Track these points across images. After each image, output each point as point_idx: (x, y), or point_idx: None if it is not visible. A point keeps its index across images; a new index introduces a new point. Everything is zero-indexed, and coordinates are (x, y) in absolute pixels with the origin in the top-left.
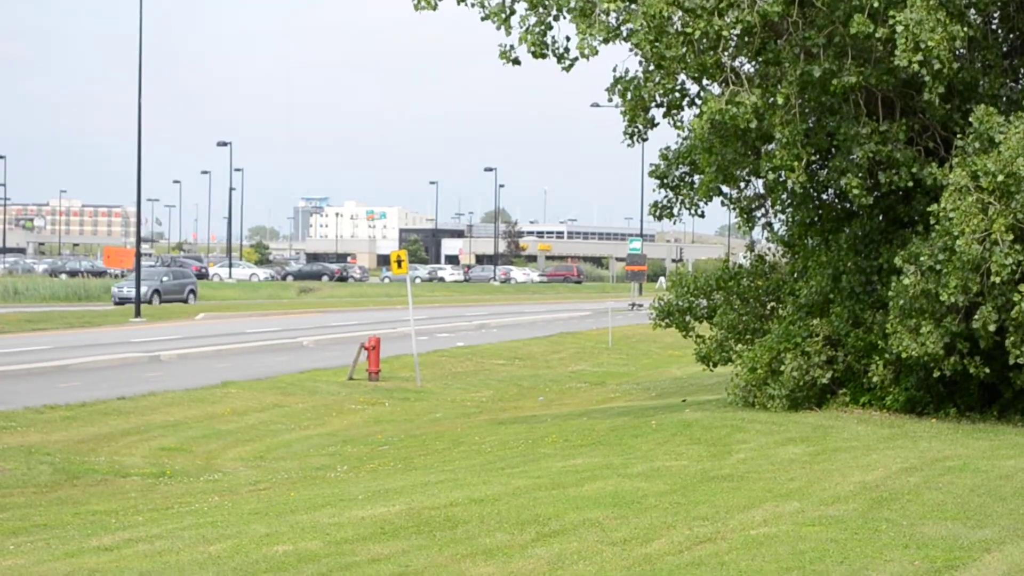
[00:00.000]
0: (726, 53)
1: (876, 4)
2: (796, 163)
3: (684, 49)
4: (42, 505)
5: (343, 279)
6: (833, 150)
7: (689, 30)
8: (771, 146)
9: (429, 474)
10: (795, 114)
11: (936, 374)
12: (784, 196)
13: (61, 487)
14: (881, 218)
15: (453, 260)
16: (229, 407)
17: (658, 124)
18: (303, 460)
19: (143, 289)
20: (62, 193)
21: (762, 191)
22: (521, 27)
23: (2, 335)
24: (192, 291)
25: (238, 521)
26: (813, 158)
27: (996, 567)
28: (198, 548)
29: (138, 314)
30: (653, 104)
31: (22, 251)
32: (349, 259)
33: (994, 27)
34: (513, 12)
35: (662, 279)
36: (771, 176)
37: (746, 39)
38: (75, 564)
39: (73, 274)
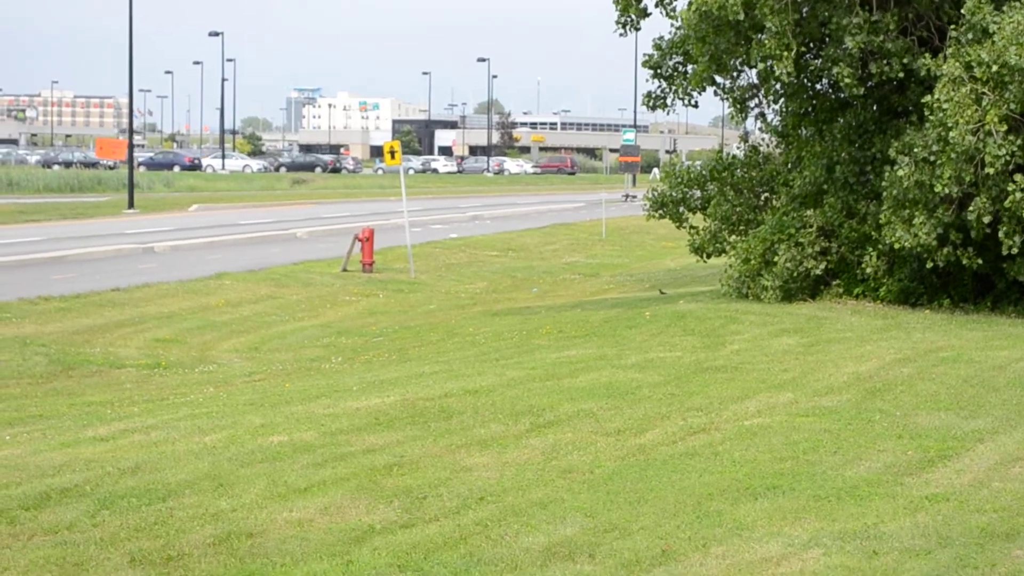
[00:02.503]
0: None
1: None
2: (785, 53)
3: None
4: (37, 396)
5: (336, 170)
6: (826, 39)
7: None
8: (762, 35)
9: (423, 365)
10: (786, 3)
11: (929, 265)
12: (777, 86)
13: (56, 378)
14: (875, 108)
15: (446, 151)
16: (223, 298)
17: (651, 14)
18: (297, 351)
19: None
20: (54, 84)
21: (755, 81)
22: None
23: None
24: None
25: (233, 412)
26: (806, 48)
27: (989, 456)
28: (193, 438)
29: (131, 205)
30: None
31: (14, 142)
32: (342, 150)
33: None
34: None
35: (655, 170)
36: (762, 66)
37: None
38: (71, 454)
39: (67, 165)
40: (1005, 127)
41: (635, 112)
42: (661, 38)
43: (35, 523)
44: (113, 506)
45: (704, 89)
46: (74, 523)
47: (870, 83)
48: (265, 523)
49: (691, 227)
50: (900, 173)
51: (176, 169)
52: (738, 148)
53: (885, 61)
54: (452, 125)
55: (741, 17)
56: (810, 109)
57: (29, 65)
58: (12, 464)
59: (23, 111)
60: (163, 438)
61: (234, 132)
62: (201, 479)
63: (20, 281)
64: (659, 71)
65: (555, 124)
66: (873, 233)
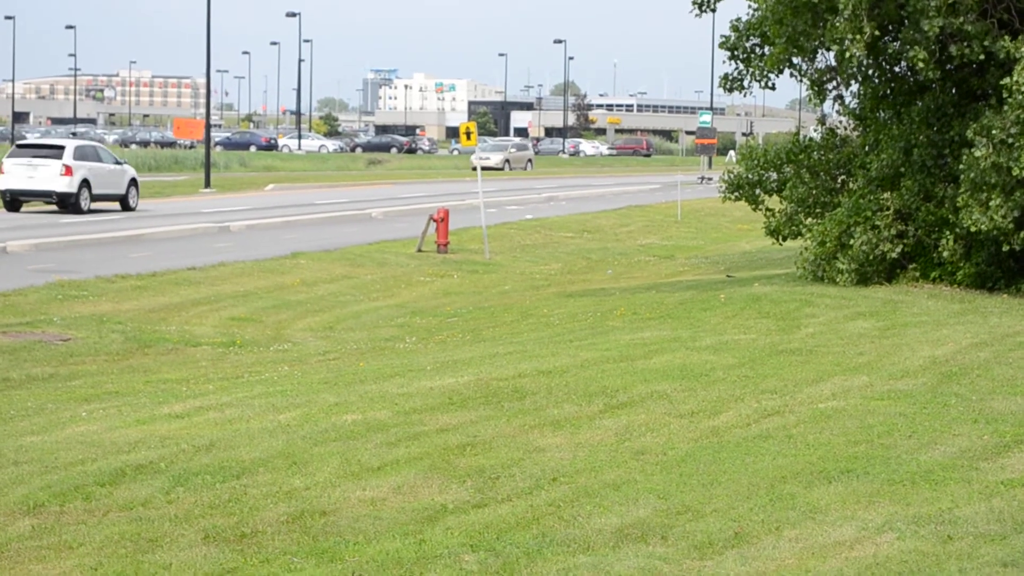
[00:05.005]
0: None
1: None
2: (858, 36)
3: None
4: (114, 373)
5: (412, 151)
6: (904, 22)
7: None
8: (836, 18)
9: (497, 346)
10: None
11: (1006, 248)
12: (854, 69)
13: (132, 355)
14: (954, 91)
15: (522, 132)
16: (298, 278)
17: None
18: (372, 331)
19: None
20: (132, 64)
21: (833, 63)
22: None
23: None
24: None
25: (307, 390)
26: (883, 31)
27: None
28: (268, 416)
29: (208, 185)
30: None
31: (92, 121)
32: (418, 131)
33: None
34: None
35: (732, 153)
36: (836, 48)
37: None
38: (146, 431)
39: (144, 145)
40: None
41: (712, 94)
42: (739, 19)
43: (110, 499)
44: (187, 483)
45: (781, 71)
46: (149, 499)
47: (949, 66)
48: (338, 501)
49: (767, 209)
50: (977, 155)
51: (252, 149)
52: (815, 131)
53: (965, 43)
54: (528, 107)
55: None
56: (888, 92)
57: (108, 45)
58: (88, 440)
59: (101, 91)
60: (238, 416)
61: (311, 113)
62: (275, 457)
63: (97, 259)
64: (736, 53)
65: (631, 106)
66: (950, 216)
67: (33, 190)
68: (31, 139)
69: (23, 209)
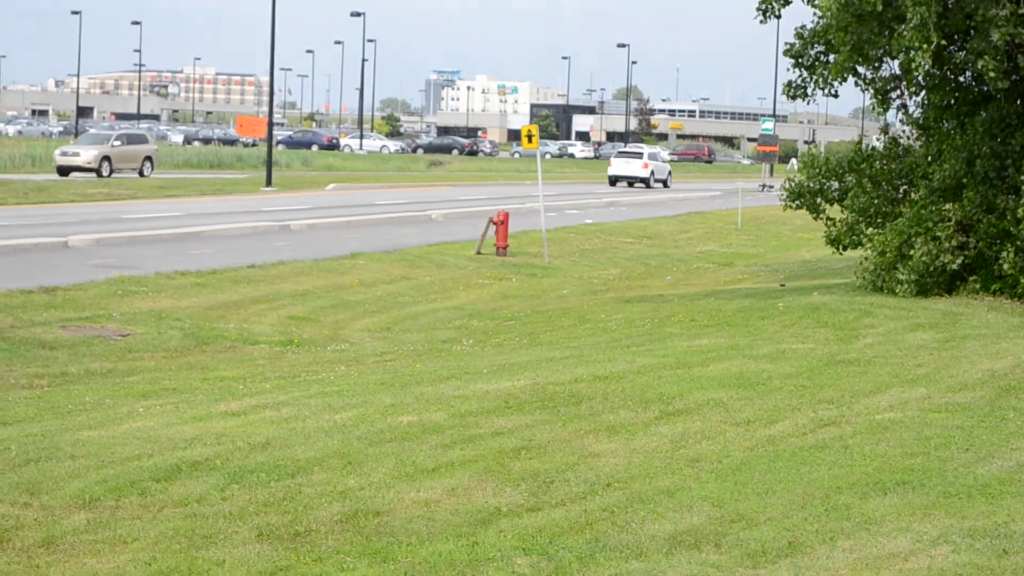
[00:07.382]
0: None
1: None
2: (925, 45)
3: None
4: (171, 369)
5: (473, 153)
6: (971, 32)
7: None
8: (903, 27)
9: (554, 350)
10: None
11: None
12: (919, 78)
13: (190, 352)
14: (1018, 102)
15: (584, 136)
16: (357, 278)
17: (791, 1)
18: (429, 333)
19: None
20: (196, 61)
21: (898, 72)
22: None
23: (135, 201)
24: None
25: (364, 391)
26: (949, 40)
27: None
28: (324, 416)
29: (269, 183)
30: None
31: (156, 118)
32: (479, 133)
33: None
34: None
35: (794, 160)
36: (903, 57)
37: None
38: (202, 428)
39: (206, 142)
40: None
41: (775, 101)
42: (803, 27)
43: (165, 495)
44: (242, 481)
45: (845, 79)
46: (204, 496)
47: (1015, 77)
48: (392, 502)
49: (828, 218)
50: None
51: (314, 148)
52: (878, 140)
53: None
54: (590, 110)
55: (880, 8)
56: (952, 102)
57: (172, 42)
58: (145, 436)
59: (165, 87)
60: (294, 415)
61: (373, 113)
62: (330, 456)
63: (158, 255)
64: (800, 60)
65: (693, 112)
66: (1012, 228)
67: (627, 175)
68: (625, 148)
69: (616, 185)
